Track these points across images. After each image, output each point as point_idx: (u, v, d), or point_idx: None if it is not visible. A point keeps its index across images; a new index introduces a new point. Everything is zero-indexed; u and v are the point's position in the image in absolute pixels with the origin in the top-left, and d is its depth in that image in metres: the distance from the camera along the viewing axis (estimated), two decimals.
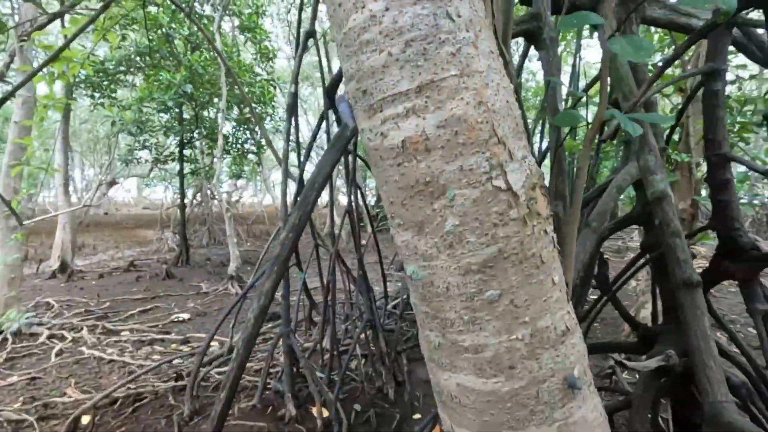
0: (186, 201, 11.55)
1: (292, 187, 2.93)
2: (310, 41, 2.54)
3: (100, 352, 3.88)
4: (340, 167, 5.50)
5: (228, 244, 7.44)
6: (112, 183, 19.56)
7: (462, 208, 0.70)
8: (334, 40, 0.80)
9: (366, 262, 3.31)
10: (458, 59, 0.68)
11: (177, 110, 8.67)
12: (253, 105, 6.65)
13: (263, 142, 9.85)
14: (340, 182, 15.70)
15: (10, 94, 2.51)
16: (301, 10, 2.94)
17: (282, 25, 16.22)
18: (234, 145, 9.90)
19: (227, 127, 9.47)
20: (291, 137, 2.69)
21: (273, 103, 9.03)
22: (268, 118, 9.36)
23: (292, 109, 2.59)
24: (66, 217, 8.02)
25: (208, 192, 13.37)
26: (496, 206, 0.71)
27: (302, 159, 2.91)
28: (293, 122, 2.75)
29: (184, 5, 4.74)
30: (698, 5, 0.95)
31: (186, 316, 5.24)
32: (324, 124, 2.86)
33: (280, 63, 16.88)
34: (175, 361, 3.66)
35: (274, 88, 9.22)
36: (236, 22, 8.80)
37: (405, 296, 4.05)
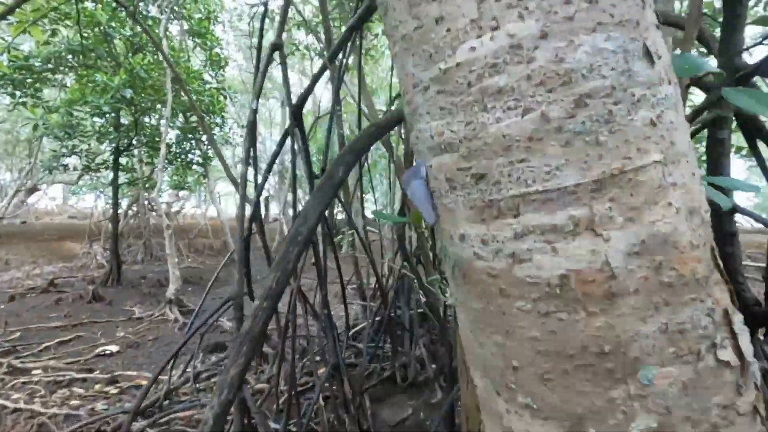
0: (120, 212, 10.59)
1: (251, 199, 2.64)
2: (276, 54, 2.30)
3: (3, 399, 3.26)
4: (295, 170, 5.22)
5: (167, 262, 6.80)
6: (33, 190, 17.63)
7: (664, 399, 0.43)
8: (401, 68, 0.57)
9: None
10: (660, 133, 0.44)
11: (113, 115, 7.93)
12: (202, 114, 6.18)
13: (211, 153, 9.28)
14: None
15: None
16: (264, 18, 2.69)
17: (235, 32, 15.67)
18: (178, 155, 9.24)
19: (171, 136, 8.83)
20: (250, 157, 2.41)
21: (223, 113, 8.55)
22: (217, 129, 8.84)
23: (253, 127, 2.32)
24: None
25: (146, 203, 12.38)
26: (718, 394, 0.44)
27: (261, 181, 2.63)
28: (252, 141, 2.47)
29: (127, 4, 4.31)
30: (684, 74, 0.84)
31: (114, 348, 4.62)
32: (290, 145, 2.61)
33: (231, 71, 16.26)
34: (99, 407, 3.15)
35: (225, 97, 8.75)
36: (185, 26, 8.29)
37: (369, 322, 3.82)
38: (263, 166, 3.21)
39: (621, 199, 0.43)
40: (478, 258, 0.51)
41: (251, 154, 2.42)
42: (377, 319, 3.86)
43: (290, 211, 15.95)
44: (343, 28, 5.42)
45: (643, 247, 0.43)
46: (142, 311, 6.23)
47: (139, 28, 6.93)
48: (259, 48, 2.59)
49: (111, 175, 9.13)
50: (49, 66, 7.12)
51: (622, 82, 0.43)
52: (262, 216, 3.20)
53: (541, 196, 0.45)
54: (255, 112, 2.30)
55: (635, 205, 0.43)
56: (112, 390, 3.58)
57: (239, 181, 2.33)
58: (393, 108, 3.98)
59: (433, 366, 3.41)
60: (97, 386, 3.67)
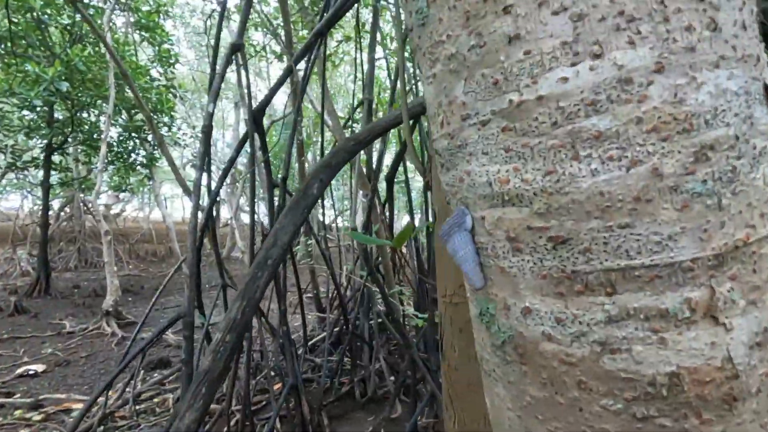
0: (51, 214, 9.70)
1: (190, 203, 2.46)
2: (236, 55, 2.17)
3: None
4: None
5: (105, 270, 6.27)
6: None
7: None
8: (440, 92, 0.48)
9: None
10: None
11: (46, 109, 7.26)
12: (150, 113, 5.79)
13: (157, 153, 8.75)
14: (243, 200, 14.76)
15: None
16: (222, 16, 2.55)
17: (187, 29, 15.00)
18: (120, 155, 8.63)
19: (112, 134, 8.23)
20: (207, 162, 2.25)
21: (172, 112, 8.10)
22: (165, 129, 8.35)
23: (208, 131, 2.17)
24: None
25: (82, 205, 11.44)
26: None
27: (215, 187, 2.47)
28: (207, 145, 2.32)
29: None
30: None
31: (39, 367, 4.16)
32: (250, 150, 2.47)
33: (181, 69, 15.54)
34: None
35: (175, 96, 8.29)
36: (132, 19, 7.78)
37: (327, 334, 3.70)
38: (214, 169, 3.03)
39: (743, 276, 0.36)
40: (549, 340, 0.42)
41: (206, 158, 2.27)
42: (335, 329, 3.76)
43: (243, 217, 15.41)
44: (304, 31, 5.30)
45: (766, 336, 0.36)
46: (74, 325, 5.69)
47: (78, 17, 6.41)
48: (216, 47, 2.44)
49: (41, 174, 8.36)
50: None
51: (744, 132, 0.36)
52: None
53: (647, 272, 0.36)
54: (211, 115, 2.15)
55: (757, 283, 0.36)
56: (36, 416, 3.20)
57: (192, 187, 2.16)
58: (357, 115, 3.92)
59: (392, 379, 3.35)
60: (17, 412, 3.27)
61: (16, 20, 6.03)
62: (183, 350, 2.02)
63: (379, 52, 3.81)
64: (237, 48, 2.16)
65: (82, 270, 10.81)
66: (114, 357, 4.54)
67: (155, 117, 7.73)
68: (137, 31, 7.89)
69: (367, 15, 5.95)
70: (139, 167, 9.19)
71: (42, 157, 8.20)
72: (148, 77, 7.56)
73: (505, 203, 0.43)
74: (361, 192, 3.39)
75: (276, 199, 2.48)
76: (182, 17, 14.42)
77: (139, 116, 7.82)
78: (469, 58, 0.43)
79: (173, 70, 8.41)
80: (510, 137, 0.41)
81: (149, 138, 8.41)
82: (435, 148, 0.52)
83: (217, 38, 2.54)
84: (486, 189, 0.44)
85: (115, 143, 8.48)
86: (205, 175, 2.36)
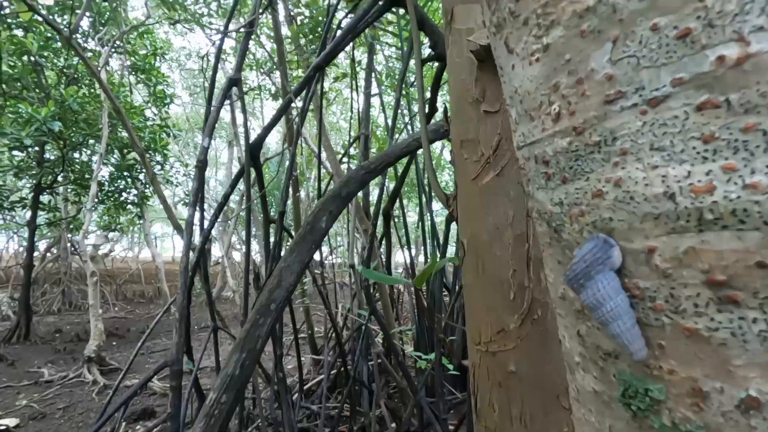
0: (36, 255, 9.42)
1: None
2: (234, 90, 2.14)
3: None
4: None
5: (89, 313, 6.00)
6: None
7: None
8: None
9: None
10: None
11: (36, 149, 7.21)
12: (143, 151, 5.74)
13: (149, 192, 8.65)
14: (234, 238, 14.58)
15: None
16: (220, 50, 2.55)
17: (183, 71, 15.34)
18: (111, 194, 8.53)
19: (104, 173, 8.16)
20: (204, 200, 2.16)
21: (165, 150, 8.09)
22: (158, 167, 8.31)
23: (203, 167, 2.09)
24: None
25: (69, 245, 11.16)
26: None
27: (208, 225, 2.37)
28: (200, 181, 2.24)
29: (63, 30, 3.97)
30: None
31: (12, 421, 3.86)
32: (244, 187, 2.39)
33: (176, 109, 15.75)
34: None
35: (168, 135, 8.31)
36: (127, 62, 7.90)
37: (324, 377, 3.49)
38: (206, 207, 2.93)
39: None
40: None
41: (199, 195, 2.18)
42: (332, 372, 3.55)
43: (234, 255, 15.14)
44: (299, 71, 5.39)
45: None
46: (53, 372, 5.36)
47: (75, 59, 6.49)
48: (213, 81, 2.42)
49: (29, 214, 8.18)
50: None
51: None
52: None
53: None
54: (206, 150, 2.09)
55: None
56: None
57: (184, 226, 2.06)
58: (353, 151, 3.90)
59: (394, 426, 3.14)
60: None
61: (12, 63, 6.08)
62: (169, 402, 1.85)
63: (373, 88, 3.84)
64: (234, 82, 2.13)
65: (65, 313, 10.40)
66: (94, 408, 4.24)
67: (148, 155, 7.70)
68: (133, 74, 8.00)
69: (360, 55, 6.10)
70: (129, 206, 9.06)
71: (30, 197, 8.06)
72: (142, 117, 7.60)
73: (704, 226, 0.28)
74: (359, 227, 3.30)
75: (272, 235, 2.38)
76: (178, 60, 14.76)
77: (132, 155, 7.79)
78: (624, 6, 0.30)
79: (167, 110, 8.48)
80: (715, 119, 0.27)
81: (141, 177, 8.34)
82: (534, 153, 0.38)
83: (214, 72, 2.52)
84: (660, 205, 0.30)
85: (106, 182, 8.40)
86: (197, 213, 2.27)
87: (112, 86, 7.05)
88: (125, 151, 7.86)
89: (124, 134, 7.35)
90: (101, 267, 13.93)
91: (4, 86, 6.29)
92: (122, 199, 8.76)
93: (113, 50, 7.16)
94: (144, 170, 6.55)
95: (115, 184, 8.55)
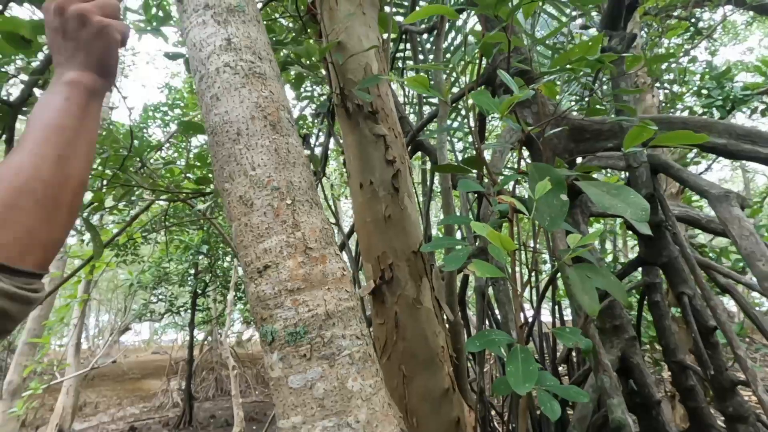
0: (196, 345, 11.36)
1: None
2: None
3: None
4: None
5: (232, 402, 7.07)
6: (125, 330, 19.50)
7: None
8: None
9: None
10: None
11: (193, 263, 9.15)
12: None
13: None
14: None
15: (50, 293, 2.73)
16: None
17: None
18: None
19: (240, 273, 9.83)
20: None
21: None
22: None
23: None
24: (71, 380, 7.86)
25: (219, 337, 13.18)
26: None
27: None
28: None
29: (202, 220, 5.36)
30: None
31: None
32: None
33: None
34: None
35: None
36: None
37: None
38: None
39: None
40: None
41: None
42: None
43: None
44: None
45: None
46: None
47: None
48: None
49: (189, 315, 10.15)
50: (147, 228, 8.66)
51: None
52: None
53: None
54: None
55: None
56: None
57: None
58: None
59: None
60: None
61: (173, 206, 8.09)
62: None
63: None
64: None
65: (218, 398, 12.05)
66: None
67: None
68: None
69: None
70: None
71: (189, 302, 10.03)
72: None
73: None
74: None
75: None
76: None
77: None
78: None
79: None
80: None
81: None
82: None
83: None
84: None
85: (242, 283, 10.09)
86: None
87: None
88: None
89: None
90: (244, 351, 15.85)
91: (172, 219, 8.33)
92: None
93: None
94: None
95: None
